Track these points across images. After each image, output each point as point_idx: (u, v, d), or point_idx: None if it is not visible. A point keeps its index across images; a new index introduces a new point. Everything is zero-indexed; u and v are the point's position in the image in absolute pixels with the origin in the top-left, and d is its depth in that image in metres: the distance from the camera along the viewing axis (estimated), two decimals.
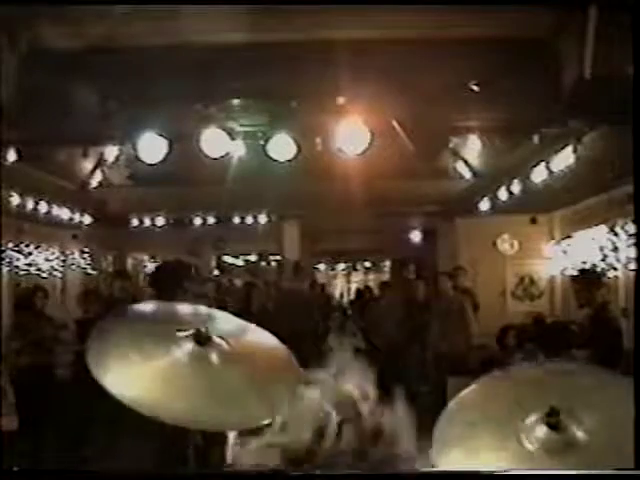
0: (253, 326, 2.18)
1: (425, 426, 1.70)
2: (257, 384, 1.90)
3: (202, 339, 1.89)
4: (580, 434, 1.42)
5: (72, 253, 10.34)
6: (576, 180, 6.59)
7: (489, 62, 4.74)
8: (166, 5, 4.06)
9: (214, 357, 1.88)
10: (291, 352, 2.12)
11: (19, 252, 8.46)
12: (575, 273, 5.61)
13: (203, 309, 2.22)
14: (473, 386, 1.69)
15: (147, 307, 2.59)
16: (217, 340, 1.91)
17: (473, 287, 8.75)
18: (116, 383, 1.76)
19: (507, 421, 1.51)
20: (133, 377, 1.81)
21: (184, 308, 2.30)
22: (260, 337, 2.15)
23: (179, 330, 1.91)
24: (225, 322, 2.12)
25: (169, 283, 4.22)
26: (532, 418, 1.46)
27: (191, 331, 1.89)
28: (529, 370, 1.91)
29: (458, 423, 1.61)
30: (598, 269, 6.74)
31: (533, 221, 9.80)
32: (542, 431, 1.44)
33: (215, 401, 1.79)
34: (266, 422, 1.69)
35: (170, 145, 5.37)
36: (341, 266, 18.45)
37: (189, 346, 1.87)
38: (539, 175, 6.63)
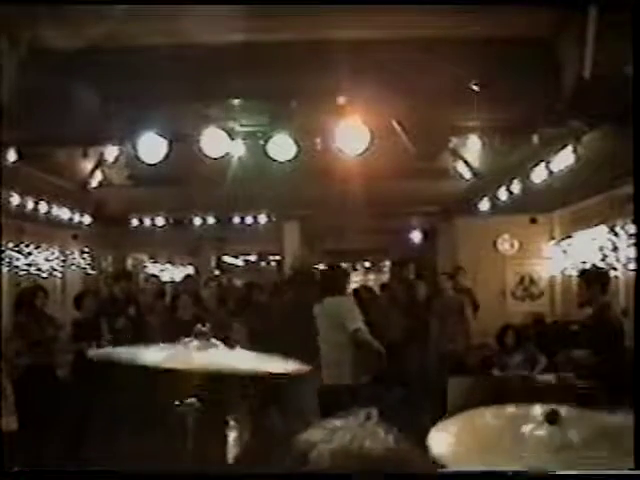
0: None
1: (425, 426, 1.70)
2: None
3: (202, 338, 1.94)
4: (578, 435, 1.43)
5: (72, 253, 10.33)
6: (576, 180, 6.59)
7: (489, 62, 4.74)
8: (166, 5, 4.06)
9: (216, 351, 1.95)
10: None
11: (19, 252, 8.46)
12: (580, 272, 5.60)
13: None
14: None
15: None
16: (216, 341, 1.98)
17: (473, 287, 8.76)
18: None
19: (507, 427, 1.51)
20: None
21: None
22: None
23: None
24: None
25: (338, 284, 5.32)
26: (530, 425, 1.47)
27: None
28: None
29: (456, 426, 1.62)
30: (605, 270, 6.73)
31: (533, 221, 9.80)
32: (542, 430, 1.44)
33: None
34: None
35: (170, 145, 5.36)
36: None
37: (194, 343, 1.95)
38: (539, 175, 6.63)
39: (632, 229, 6.55)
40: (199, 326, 1.96)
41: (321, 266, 11.69)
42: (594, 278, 5.16)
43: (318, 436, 1.02)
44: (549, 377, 5.94)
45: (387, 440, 1.01)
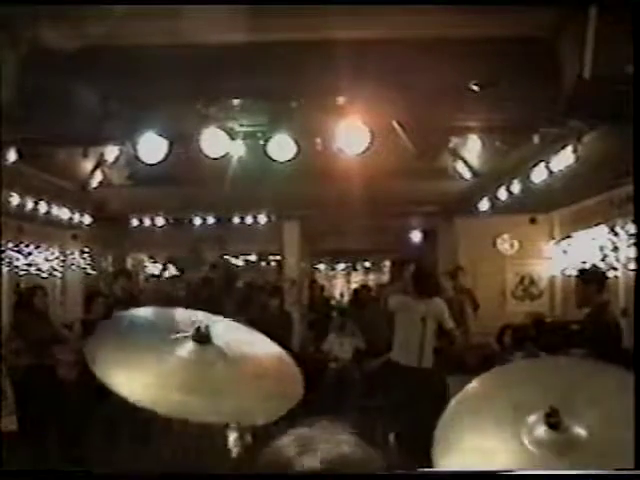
0: (255, 333, 2.21)
1: (425, 426, 1.70)
2: (254, 385, 1.93)
3: (201, 338, 1.91)
4: (580, 431, 1.42)
5: (72, 253, 10.33)
6: (576, 180, 6.59)
7: (489, 62, 4.74)
8: (166, 5, 4.06)
9: (212, 356, 1.91)
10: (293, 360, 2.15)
11: (19, 252, 8.46)
12: (578, 272, 5.61)
13: (202, 314, 2.23)
14: (473, 384, 1.70)
15: (146, 312, 2.60)
16: (216, 342, 1.94)
17: (473, 287, 8.75)
18: (116, 382, 1.79)
19: (508, 421, 1.51)
20: (133, 375, 1.83)
21: (183, 313, 2.31)
22: (261, 344, 2.17)
23: (177, 333, 1.94)
24: (226, 328, 2.15)
25: (429, 282, 6.15)
26: (533, 418, 1.47)
27: (191, 331, 1.92)
28: (527, 367, 1.92)
29: (460, 423, 1.61)
30: (602, 269, 6.73)
31: (533, 221, 9.80)
32: (542, 431, 1.44)
33: (209, 395, 1.82)
34: (261, 422, 1.74)
35: (170, 145, 5.36)
36: (341, 266, 18.44)
37: (189, 345, 1.90)
38: (539, 175, 6.63)
39: (632, 229, 6.55)
40: (199, 326, 1.93)
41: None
42: (591, 278, 5.16)
43: (293, 448, 0.99)
44: None
45: (363, 446, 1.01)
